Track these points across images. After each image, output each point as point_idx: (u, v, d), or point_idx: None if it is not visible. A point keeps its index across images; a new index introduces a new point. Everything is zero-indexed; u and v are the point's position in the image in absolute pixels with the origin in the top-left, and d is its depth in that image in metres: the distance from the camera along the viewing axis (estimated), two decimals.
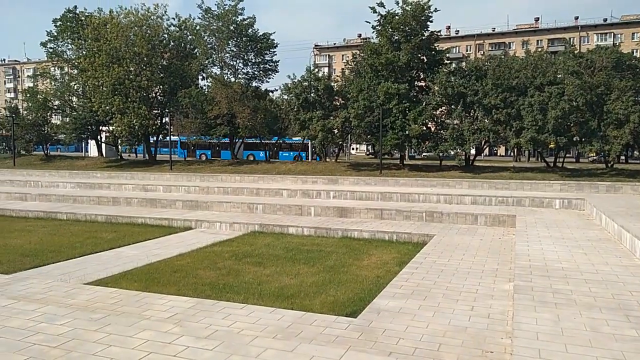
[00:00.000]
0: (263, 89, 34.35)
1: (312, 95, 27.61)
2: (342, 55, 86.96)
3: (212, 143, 42.68)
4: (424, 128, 25.59)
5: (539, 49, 30.29)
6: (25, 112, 39.19)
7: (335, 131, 27.40)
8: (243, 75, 34.54)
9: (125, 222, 16.08)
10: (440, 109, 26.24)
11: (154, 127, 32.35)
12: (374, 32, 27.44)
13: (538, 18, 79.52)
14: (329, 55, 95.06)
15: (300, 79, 28.19)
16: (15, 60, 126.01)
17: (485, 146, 30.58)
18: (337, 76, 36.05)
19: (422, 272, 9.04)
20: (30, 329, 6.27)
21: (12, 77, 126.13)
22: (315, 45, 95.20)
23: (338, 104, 28.84)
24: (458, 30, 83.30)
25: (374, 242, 12.82)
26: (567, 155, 30.52)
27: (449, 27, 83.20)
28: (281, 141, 40.20)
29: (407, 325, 6.36)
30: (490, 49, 76.05)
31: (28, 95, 37.73)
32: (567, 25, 74.08)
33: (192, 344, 5.76)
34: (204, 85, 35.97)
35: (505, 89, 23.12)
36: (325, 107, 27.58)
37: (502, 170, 24.91)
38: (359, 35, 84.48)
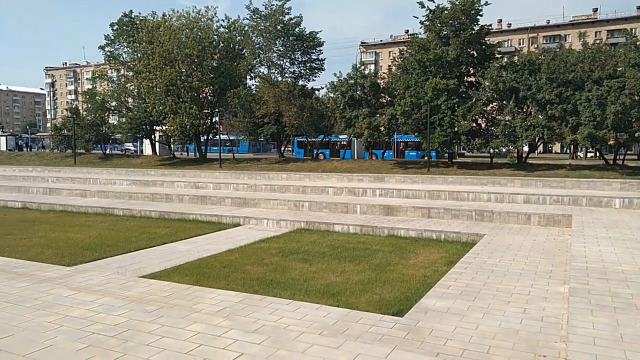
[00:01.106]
0: (309, 88, 34.60)
1: (358, 92, 27.51)
2: (389, 52, 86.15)
3: (330, 142, 41.26)
4: (474, 125, 24.92)
5: (598, 41, 28.68)
6: (85, 112, 41.28)
7: (382, 129, 27.17)
8: (290, 74, 34.91)
9: (177, 218, 16.65)
10: (491, 105, 25.46)
11: (204, 127, 33.28)
12: (421, 27, 26.99)
13: (596, 9, 75.63)
14: (375, 52, 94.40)
15: (346, 77, 28.15)
16: (76, 64, 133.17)
17: (539, 143, 29.38)
18: (384, 73, 35.72)
19: (472, 272, 8.83)
20: (89, 319, 6.62)
21: (73, 79, 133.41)
22: (362, 43, 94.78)
23: (384, 101, 28.57)
24: (510, 24, 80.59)
25: (421, 241, 12.63)
26: (629, 152, 28.82)
27: (500, 21, 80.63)
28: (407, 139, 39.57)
29: (455, 326, 6.24)
30: (544, 42, 73.13)
31: (87, 96, 39.72)
32: (628, 16, 70.06)
33: (240, 338, 5.90)
34: (252, 85, 36.64)
35: (560, 83, 22.12)
36: (371, 104, 27.40)
37: (557, 168, 23.89)
38: (407, 31, 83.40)
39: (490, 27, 27.17)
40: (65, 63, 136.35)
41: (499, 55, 27.15)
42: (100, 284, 8.43)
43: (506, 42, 69.55)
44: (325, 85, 31.35)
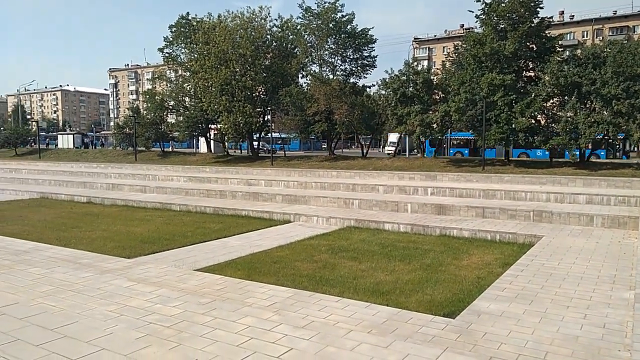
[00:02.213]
0: (360, 85, 34.41)
1: (410, 89, 27.07)
2: (443, 47, 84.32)
3: (469, 140, 37.01)
4: (533, 121, 23.91)
5: None
6: (145, 112, 43.11)
7: (434, 126, 26.62)
8: (341, 72, 34.87)
9: (230, 214, 17.06)
10: (551, 101, 24.33)
11: (257, 125, 33.88)
12: (477, 21, 26.19)
13: None
14: (428, 47, 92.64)
15: (398, 73, 27.79)
16: (137, 65, 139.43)
17: (603, 141, 27.76)
18: (437, 69, 34.94)
19: (528, 275, 8.49)
20: (147, 309, 6.92)
21: (134, 80, 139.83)
22: (415, 38, 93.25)
23: (438, 97, 27.97)
24: (573, 15, 76.70)
25: (475, 242, 12.28)
26: None
27: (562, 12, 76.96)
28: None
29: (509, 330, 6.02)
30: (610, 33, 69.06)
31: (147, 96, 41.45)
32: None
33: (289, 333, 5.97)
34: (303, 83, 36.92)
35: (628, 77, 20.79)
36: (423, 101, 26.90)
37: (623, 166, 22.50)
38: (461, 26, 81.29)
39: (551, 20, 25.96)
40: (127, 64, 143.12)
41: (561, 49, 25.87)
42: (158, 276, 8.78)
43: (568, 35, 66.11)
44: (376, 83, 31.11)
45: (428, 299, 7.64)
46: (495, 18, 24.77)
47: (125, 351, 5.47)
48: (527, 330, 6.02)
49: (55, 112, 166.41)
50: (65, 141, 56.93)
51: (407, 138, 35.19)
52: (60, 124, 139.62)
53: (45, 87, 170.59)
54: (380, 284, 8.43)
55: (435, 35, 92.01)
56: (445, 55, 60.96)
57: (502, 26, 24.79)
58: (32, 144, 52.81)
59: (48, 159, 41.50)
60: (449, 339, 5.76)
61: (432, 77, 28.55)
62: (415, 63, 30.85)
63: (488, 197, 17.34)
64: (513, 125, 23.31)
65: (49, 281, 8.41)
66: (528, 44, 24.60)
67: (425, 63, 78.59)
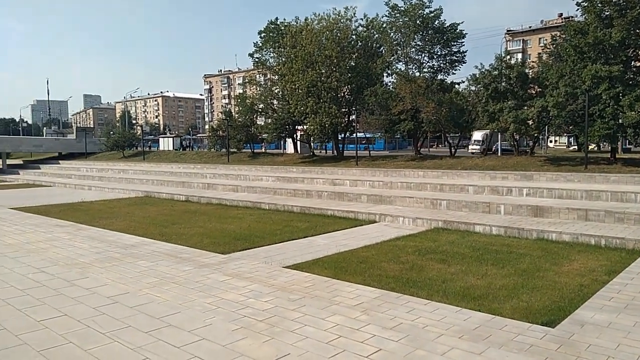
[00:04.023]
0: (448, 82, 33.37)
1: (503, 84, 25.73)
2: (539, 39, 79.26)
3: None
4: None
5: None
6: (237, 115, 45.19)
7: (530, 122, 25.07)
8: (428, 69, 34.06)
9: (316, 214, 17.38)
10: None
11: (342, 125, 34.12)
12: (578, 9, 24.25)
13: None
14: (522, 39, 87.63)
15: (489, 68, 26.55)
16: (229, 70, 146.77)
17: None
18: (533, 62, 32.89)
19: (639, 283, 7.74)
20: (241, 303, 7.27)
21: (226, 85, 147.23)
22: (508, 31, 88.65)
23: (533, 92, 26.31)
24: None
25: (577, 246, 11.41)
26: None
27: None
28: None
29: (618, 343, 5.54)
30: None
31: (239, 100, 43.40)
32: None
33: (378, 333, 5.97)
34: (389, 82, 36.54)
35: None
36: (518, 96, 25.46)
37: None
38: (560, 15, 76.00)
39: None
40: (220, 70, 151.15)
41: None
42: (250, 271, 9.19)
43: None
44: (466, 78, 29.96)
45: (524, 305, 7.23)
46: (600, 5, 22.78)
47: (223, 342, 5.80)
48: (637, 344, 5.50)
49: (156, 116, 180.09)
50: (165, 144, 61.51)
51: (499, 135, 33.51)
52: (161, 127, 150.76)
53: (148, 94, 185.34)
54: (471, 289, 8.13)
55: (530, 27, 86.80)
56: (541, 47, 57.28)
57: (607, 13, 22.74)
58: (137, 147, 57.53)
59: (151, 160, 45.00)
60: (549, 349, 5.42)
61: (527, 71, 26.95)
62: (509, 57, 29.29)
63: (591, 199, 16.02)
64: (620, 120, 21.30)
65: (154, 273, 9.14)
66: (638, 30, 22.34)
67: (520, 56, 74.38)
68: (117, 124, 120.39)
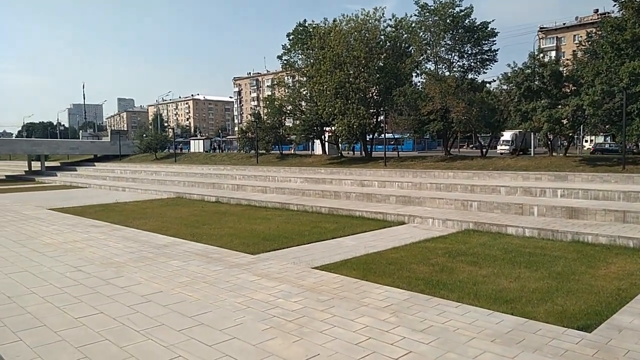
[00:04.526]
0: (479, 81, 32.80)
1: (536, 82, 25.12)
2: (574, 36, 77.11)
3: None
4: None
5: None
6: (265, 117, 45.58)
7: (564, 121, 24.39)
8: (458, 69, 33.57)
9: (344, 215, 17.35)
10: None
11: (370, 126, 33.96)
12: (615, 4, 23.50)
13: None
14: (556, 37, 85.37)
15: (521, 67, 25.96)
16: (258, 73, 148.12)
17: None
18: (567, 59, 32.01)
19: None
20: (270, 303, 7.33)
21: (255, 87, 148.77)
22: (541, 28, 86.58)
23: (568, 90, 25.60)
24: None
25: (614, 249, 11.03)
26: None
27: None
28: None
29: None
30: None
31: (267, 102, 43.76)
32: None
33: (407, 335, 5.92)
34: (418, 82, 36.19)
35: None
36: (551, 95, 24.81)
37: None
38: (596, 11, 73.69)
39: None
40: (249, 73, 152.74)
41: None
42: (279, 272, 9.25)
43: None
44: (497, 77, 29.39)
45: (559, 309, 7.04)
46: (638, 0, 22.03)
47: (254, 341, 5.86)
48: None
49: (187, 119, 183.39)
50: (196, 146, 62.58)
51: (532, 135, 32.74)
52: (192, 130, 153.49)
53: (179, 97, 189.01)
54: (504, 291, 7.96)
55: (564, 23, 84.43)
56: (576, 44, 55.68)
57: None
58: (169, 149, 58.73)
59: (182, 162, 45.85)
60: (585, 355, 5.27)
61: (561, 69, 26.24)
62: (542, 54, 28.57)
63: (630, 200, 15.47)
64: None
65: (186, 273, 9.31)
66: None
67: (553, 54, 72.38)
68: (150, 127, 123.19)
